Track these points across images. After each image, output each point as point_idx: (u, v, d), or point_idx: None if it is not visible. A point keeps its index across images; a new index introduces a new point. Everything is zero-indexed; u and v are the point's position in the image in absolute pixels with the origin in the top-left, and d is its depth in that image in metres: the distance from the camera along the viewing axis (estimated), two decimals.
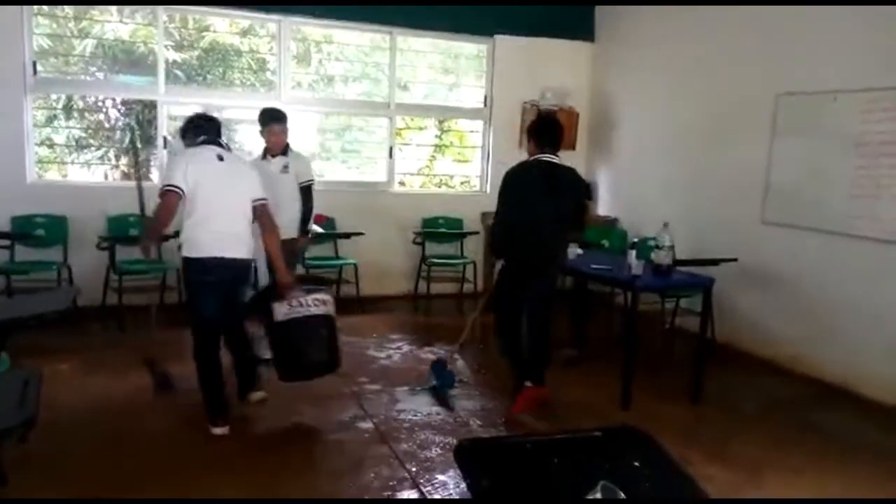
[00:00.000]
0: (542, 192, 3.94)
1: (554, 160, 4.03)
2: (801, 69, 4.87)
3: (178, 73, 6.38)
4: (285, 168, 4.59)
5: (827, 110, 4.66)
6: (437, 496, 3.03)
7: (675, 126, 6.10)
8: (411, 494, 3.05)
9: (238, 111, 6.65)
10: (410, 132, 7.45)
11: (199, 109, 6.56)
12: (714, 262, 4.62)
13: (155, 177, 6.17)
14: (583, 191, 4.26)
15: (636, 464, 1.64)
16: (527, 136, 4.29)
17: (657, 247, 4.16)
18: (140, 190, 4.02)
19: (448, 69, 7.34)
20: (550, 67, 7.07)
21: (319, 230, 6.12)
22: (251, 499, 3.00)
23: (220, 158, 3.55)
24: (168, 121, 6.06)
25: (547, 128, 4.16)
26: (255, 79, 6.71)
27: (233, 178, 3.59)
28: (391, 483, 3.14)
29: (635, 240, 4.47)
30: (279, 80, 6.34)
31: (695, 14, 5.82)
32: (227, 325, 3.68)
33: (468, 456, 1.88)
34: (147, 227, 3.89)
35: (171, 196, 3.39)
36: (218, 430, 3.52)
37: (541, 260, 4.06)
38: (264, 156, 4.65)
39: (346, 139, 7.22)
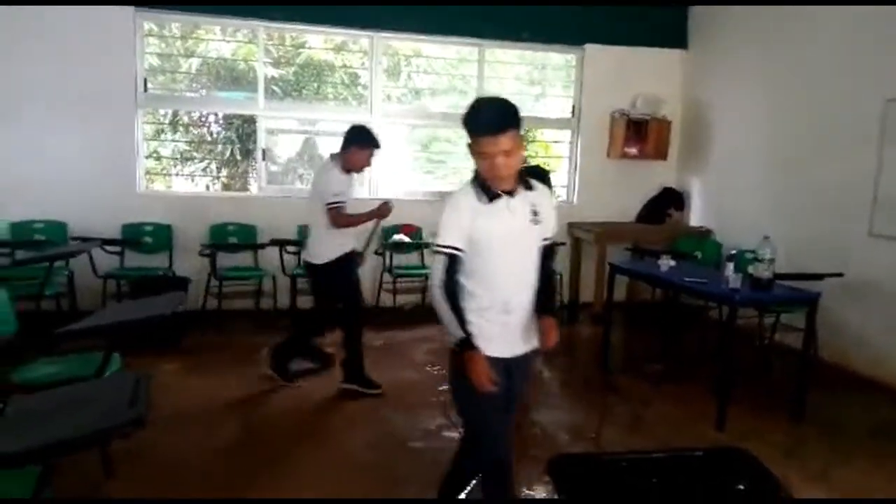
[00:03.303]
0: None
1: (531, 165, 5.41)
2: None
3: (276, 88, 6.65)
4: (534, 216, 2.35)
5: None
6: None
7: (773, 134, 5.85)
8: None
9: (331, 124, 6.87)
10: None
11: (294, 123, 6.87)
12: (819, 277, 4.39)
13: (253, 188, 6.45)
14: (548, 176, 5.02)
15: (740, 487, 1.57)
16: None
17: (756, 259, 3.99)
18: None
19: (534, 80, 7.31)
20: (641, 76, 6.93)
21: (406, 240, 6.25)
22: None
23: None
24: (266, 135, 6.33)
25: None
26: (348, 93, 6.91)
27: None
28: (474, 494, 3.13)
29: (733, 252, 4.30)
30: (370, 93, 6.51)
31: (793, 17, 5.57)
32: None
33: (562, 471, 1.86)
34: None
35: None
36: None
37: None
38: (490, 196, 2.28)
39: (432, 150, 7.31)
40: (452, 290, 2.28)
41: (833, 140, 5.21)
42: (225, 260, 5.85)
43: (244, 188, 6.72)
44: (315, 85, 6.95)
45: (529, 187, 2.35)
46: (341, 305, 4.34)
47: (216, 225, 6.03)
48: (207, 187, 7.02)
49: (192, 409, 3.96)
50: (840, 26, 5.16)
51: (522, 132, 2.25)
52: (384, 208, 4.31)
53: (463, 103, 7.01)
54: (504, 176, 2.22)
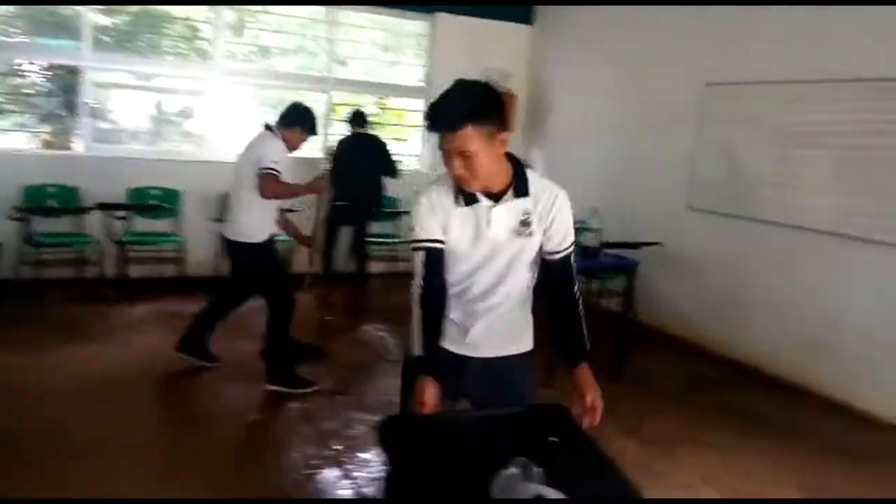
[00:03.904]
0: (364, 154, 5.74)
1: (365, 132, 5.86)
2: (730, 60, 5.00)
3: (106, 38, 6.09)
4: (522, 226, 1.88)
5: (750, 101, 4.82)
6: (359, 475, 3.05)
7: (609, 113, 6.21)
8: (334, 473, 3.06)
9: (169, 80, 6.45)
10: (348, 109, 7.35)
11: (129, 78, 6.35)
12: (638, 246, 4.76)
13: (78, 146, 5.91)
14: (386, 148, 5.88)
15: (554, 440, 1.69)
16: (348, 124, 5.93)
17: (585, 229, 4.26)
18: None
19: (388, 46, 7.24)
20: (491, 48, 7.02)
21: None
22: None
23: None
24: (94, 88, 5.82)
25: (359, 116, 5.86)
26: (189, 47, 6.48)
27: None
28: (314, 462, 3.14)
29: None
30: (213, 49, 6.16)
31: (630, 6, 5.91)
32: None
33: (390, 433, 1.89)
34: None
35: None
36: None
37: (367, 198, 5.81)
38: (465, 198, 1.86)
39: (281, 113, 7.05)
40: (431, 295, 1.91)
41: (659, 120, 5.62)
42: (43, 225, 5.32)
43: (67, 146, 6.13)
44: (152, 37, 6.45)
45: (524, 193, 1.85)
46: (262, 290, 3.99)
47: (32, 186, 5.45)
48: (24, 144, 6.33)
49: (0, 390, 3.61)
50: (669, 16, 5.52)
51: (498, 128, 1.73)
52: (319, 183, 4.12)
53: (314, 65, 6.86)
54: (465, 179, 1.75)
